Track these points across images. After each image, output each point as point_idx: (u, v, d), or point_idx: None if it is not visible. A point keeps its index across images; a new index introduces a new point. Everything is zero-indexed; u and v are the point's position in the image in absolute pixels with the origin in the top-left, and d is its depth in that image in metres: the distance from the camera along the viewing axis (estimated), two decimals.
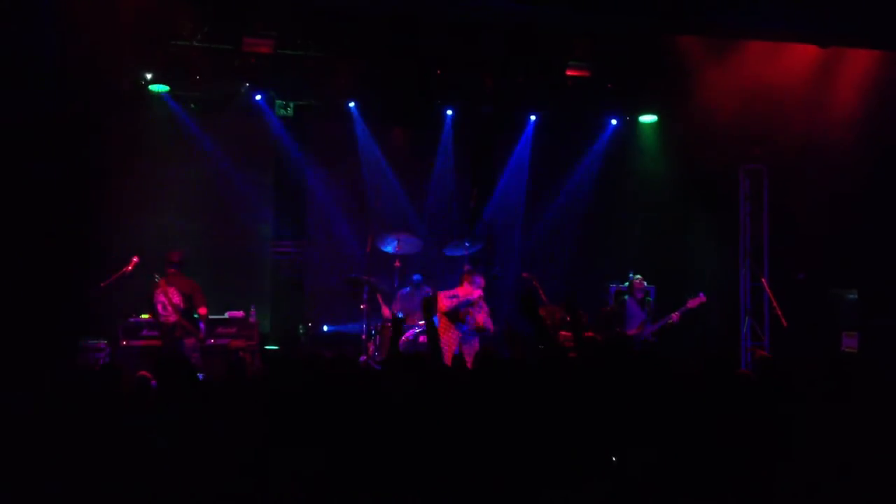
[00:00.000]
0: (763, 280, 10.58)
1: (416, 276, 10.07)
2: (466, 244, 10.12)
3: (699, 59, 10.14)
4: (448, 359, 7.38)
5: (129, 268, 8.76)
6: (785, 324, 9.89)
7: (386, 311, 9.82)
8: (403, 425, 3.36)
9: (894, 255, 9.84)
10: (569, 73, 10.43)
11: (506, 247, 11.19)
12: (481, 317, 8.84)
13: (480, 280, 8.91)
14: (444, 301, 8.83)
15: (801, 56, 10.29)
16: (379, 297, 9.92)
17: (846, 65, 10.39)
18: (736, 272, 11.01)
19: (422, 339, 9.34)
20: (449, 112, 11.15)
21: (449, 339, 8.91)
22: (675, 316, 9.42)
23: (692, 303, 9.41)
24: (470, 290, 8.81)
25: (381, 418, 3.42)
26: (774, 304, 10.16)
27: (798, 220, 10.44)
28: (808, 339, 9.75)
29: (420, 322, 9.60)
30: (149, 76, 9.87)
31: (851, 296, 10.57)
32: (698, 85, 10.15)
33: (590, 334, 8.92)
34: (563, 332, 8.74)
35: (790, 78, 10.26)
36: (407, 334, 9.44)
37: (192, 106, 10.36)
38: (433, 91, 10.73)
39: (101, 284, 8.80)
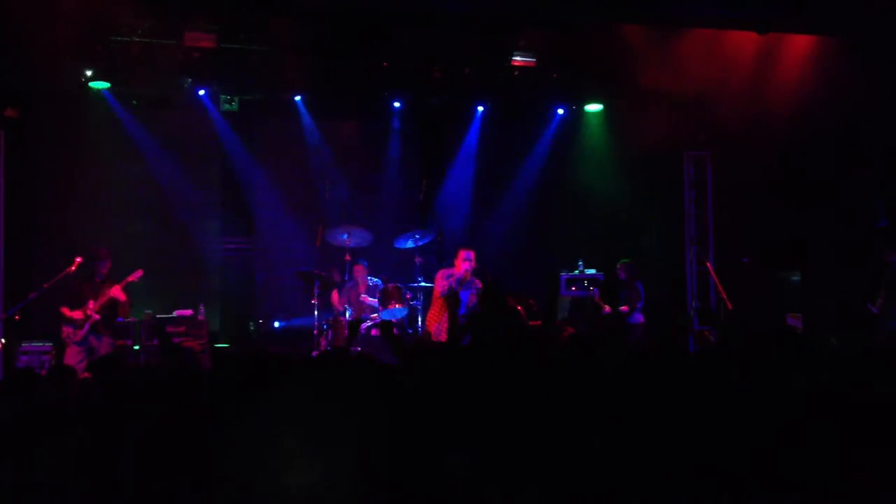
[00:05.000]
0: (708, 264, 10.77)
1: (360, 259, 10.07)
2: (417, 236, 10.11)
3: (643, 47, 10.27)
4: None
5: (73, 268, 8.60)
6: (730, 306, 10.08)
7: (336, 302, 9.77)
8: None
9: (836, 236, 10.10)
10: (514, 63, 10.51)
11: (456, 237, 11.20)
12: (474, 299, 8.87)
13: (467, 253, 8.97)
14: (439, 282, 8.93)
15: (742, 43, 10.48)
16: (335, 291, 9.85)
17: (786, 51, 10.61)
18: (682, 256, 11.20)
19: (374, 332, 9.34)
20: (397, 104, 11.12)
21: (444, 322, 8.94)
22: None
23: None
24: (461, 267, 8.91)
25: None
26: (720, 287, 10.35)
27: (742, 204, 10.67)
28: (753, 320, 9.96)
29: (373, 315, 9.60)
30: (89, 73, 9.70)
31: (795, 278, 10.84)
32: (642, 73, 10.28)
33: (536, 322, 9.11)
34: None
35: (733, 65, 10.45)
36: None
37: (134, 103, 10.19)
38: (380, 83, 10.71)
39: (45, 286, 8.65)
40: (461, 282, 8.90)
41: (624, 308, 9.72)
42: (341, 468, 3.07)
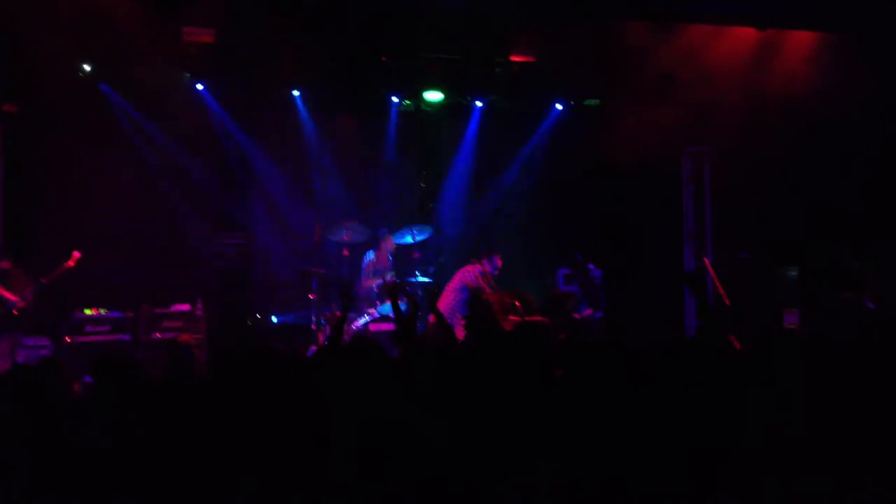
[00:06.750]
0: (706, 260, 10.77)
1: (382, 230, 10.10)
2: (415, 231, 10.13)
3: (642, 43, 10.26)
4: None
5: (71, 263, 8.60)
6: (728, 302, 10.08)
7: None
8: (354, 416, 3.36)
9: (833, 231, 10.11)
10: (513, 58, 10.50)
11: (454, 233, 11.21)
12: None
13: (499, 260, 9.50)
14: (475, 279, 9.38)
15: (741, 39, 10.47)
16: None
17: (785, 47, 10.61)
18: (679, 253, 11.21)
19: (372, 327, 9.33)
20: (395, 99, 11.11)
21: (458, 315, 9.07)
22: None
23: None
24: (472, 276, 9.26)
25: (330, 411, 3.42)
26: (717, 283, 10.35)
27: (740, 200, 10.67)
28: (750, 316, 9.96)
29: (370, 310, 9.60)
30: (87, 67, 9.68)
31: (792, 273, 10.85)
32: (641, 69, 10.28)
33: (537, 318, 9.10)
34: (511, 317, 8.82)
35: (731, 61, 10.45)
36: (355, 323, 9.41)
37: None
38: (378, 78, 10.70)
39: (42, 280, 8.65)
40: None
41: (587, 311, 9.79)
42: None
